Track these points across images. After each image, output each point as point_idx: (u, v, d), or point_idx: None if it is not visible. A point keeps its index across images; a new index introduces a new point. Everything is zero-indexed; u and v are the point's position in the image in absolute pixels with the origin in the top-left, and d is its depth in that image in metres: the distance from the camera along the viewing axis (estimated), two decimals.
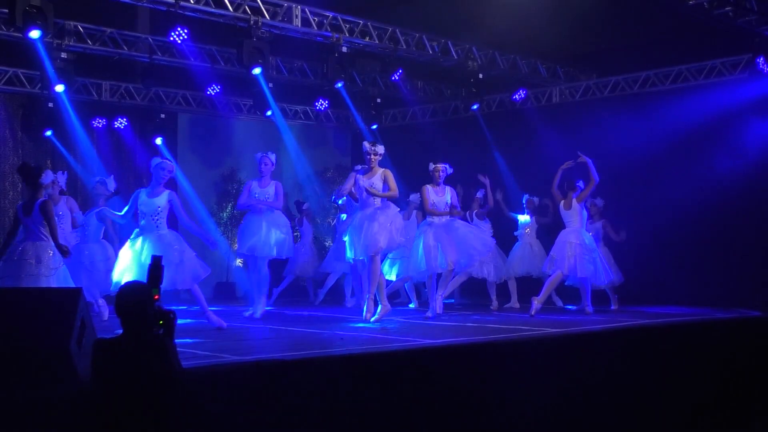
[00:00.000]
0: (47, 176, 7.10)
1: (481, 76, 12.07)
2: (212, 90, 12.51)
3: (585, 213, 9.73)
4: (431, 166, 9.38)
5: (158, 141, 12.93)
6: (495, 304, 10.75)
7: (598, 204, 10.51)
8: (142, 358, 4.08)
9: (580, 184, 9.72)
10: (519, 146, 12.82)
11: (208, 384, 4.87)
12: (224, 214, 13.87)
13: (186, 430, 4.22)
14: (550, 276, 9.53)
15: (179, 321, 8.82)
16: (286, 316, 9.70)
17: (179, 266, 7.72)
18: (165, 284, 7.49)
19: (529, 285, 10.79)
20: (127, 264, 7.73)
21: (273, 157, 9.52)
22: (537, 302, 9.22)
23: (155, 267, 4.39)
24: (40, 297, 5.03)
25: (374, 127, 13.93)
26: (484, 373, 6.21)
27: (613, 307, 10.27)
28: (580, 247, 9.45)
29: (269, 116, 12.95)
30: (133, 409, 3.95)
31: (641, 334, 8.00)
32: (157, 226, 7.88)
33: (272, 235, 9.19)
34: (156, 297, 4.27)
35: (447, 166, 9.39)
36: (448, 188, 9.40)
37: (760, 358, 8.09)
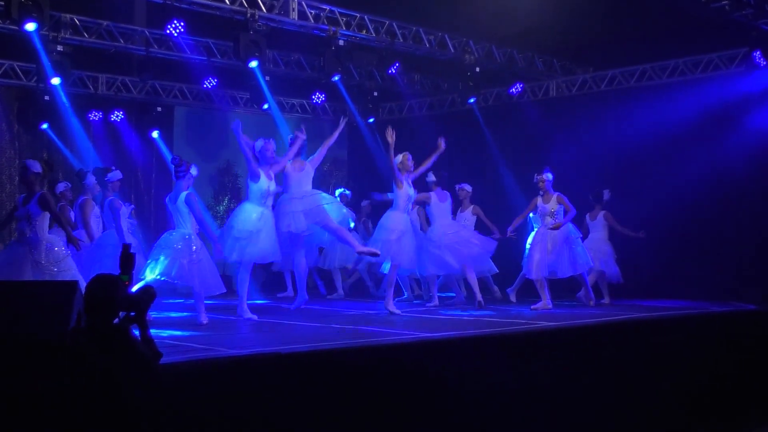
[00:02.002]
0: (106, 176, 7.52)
1: (477, 69, 12.08)
2: (209, 83, 12.50)
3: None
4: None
5: (155, 134, 12.93)
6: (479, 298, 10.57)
7: (604, 196, 10.47)
8: (106, 348, 4.09)
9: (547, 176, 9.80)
10: (516, 140, 12.83)
11: (203, 377, 4.88)
12: (221, 208, 13.87)
13: (174, 424, 4.22)
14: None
15: (175, 314, 8.85)
16: (283, 310, 9.70)
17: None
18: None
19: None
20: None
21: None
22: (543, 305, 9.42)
23: (125, 255, 4.42)
24: (37, 290, 5.03)
25: (371, 120, 13.94)
26: (481, 366, 6.23)
27: (604, 300, 10.28)
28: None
29: (266, 109, 12.97)
30: (104, 400, 3.95)
31: (636, 327, 8.03)
32: None
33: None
34: (126, 283, 4.28)
35: None
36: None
37: (755, 352, 8.11)
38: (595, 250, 10.21)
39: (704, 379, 7.54)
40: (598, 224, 10.43)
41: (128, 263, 4.42)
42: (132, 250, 4.53)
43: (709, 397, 7.52)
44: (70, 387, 3.99)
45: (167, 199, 7.94)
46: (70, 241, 7.11)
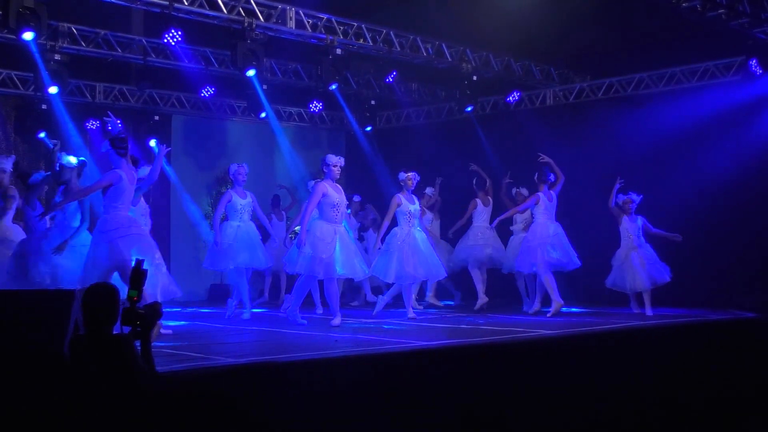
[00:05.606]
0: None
1: (475, 78, 12.08)
2: (206, 92, 12.49)
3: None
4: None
5: (152, 143, 12.90)
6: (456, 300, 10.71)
7: (633, 199, 10.30)
8: (103, 357, 4.08)
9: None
10: (513, 148, 12.81)
11: (200, 386, 4.87)
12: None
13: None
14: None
15: (172, 323, 8.84)
16: (279, 318, 9.68)
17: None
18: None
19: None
20: None
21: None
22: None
23: (137, 270, 4.40)
24: (34, 299, 5.01)
25: (368, 129, 13.94)
26: (478, 375, 6.21)
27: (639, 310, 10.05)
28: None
29: (263, 118, 12.97)
30: (102, 408, 3.94)
31: (636, 335, 8.02)
32: None
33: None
34: (135, 299, 4.27)
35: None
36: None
37: (754, 360, 8.10)
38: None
39: (703, 388, 7.52)
40: None
41: (139, 279, 4.39)
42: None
43: (708, 405, 7.50)
44: (69, 396, 3.98)
45: None
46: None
